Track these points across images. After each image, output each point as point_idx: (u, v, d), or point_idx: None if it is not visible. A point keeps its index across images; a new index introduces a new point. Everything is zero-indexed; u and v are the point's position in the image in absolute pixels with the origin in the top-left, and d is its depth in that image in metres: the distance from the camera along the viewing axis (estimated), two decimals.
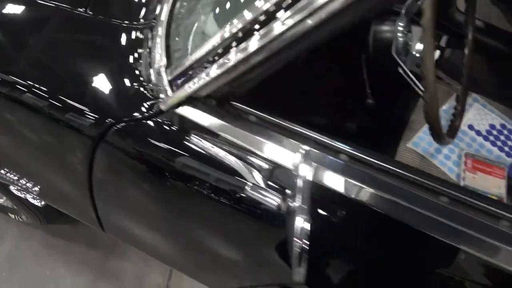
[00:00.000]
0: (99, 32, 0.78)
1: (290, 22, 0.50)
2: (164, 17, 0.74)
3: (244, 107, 0.64)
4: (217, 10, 0.67)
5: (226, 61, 0.56)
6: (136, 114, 0.67)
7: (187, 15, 0.72)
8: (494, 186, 1.04)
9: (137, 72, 0.70)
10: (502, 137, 1.13)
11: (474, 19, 1.04)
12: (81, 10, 0.82)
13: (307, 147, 0.48)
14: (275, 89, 0.86)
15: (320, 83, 0.97)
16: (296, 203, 0.45)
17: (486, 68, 1.37)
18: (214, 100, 0.63)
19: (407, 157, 1.06)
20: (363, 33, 0.96)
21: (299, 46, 0.53)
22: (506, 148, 1.12)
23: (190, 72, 0.61)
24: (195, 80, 0.60)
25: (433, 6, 0.69)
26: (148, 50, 0.71)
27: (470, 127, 1.13)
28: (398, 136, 1.11)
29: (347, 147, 0.59)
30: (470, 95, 1.20)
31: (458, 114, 1.00)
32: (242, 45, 0.55)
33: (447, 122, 1.04)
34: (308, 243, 0.44)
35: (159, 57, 0.68)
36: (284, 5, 0.51)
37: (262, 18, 0.53)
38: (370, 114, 1.06)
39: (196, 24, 0.69)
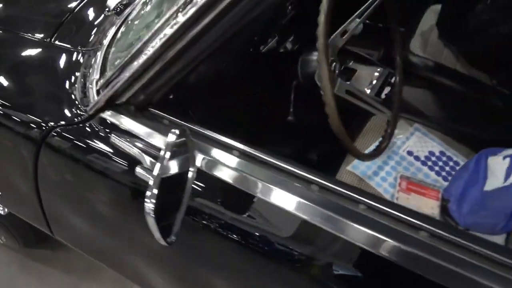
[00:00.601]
0: (55, 55, 0.92)
1: (170, 31, 0.62)
2: (106, 41, 0.88)
3: (160, 112, 0.74)
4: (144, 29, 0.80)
5: (131, 68, 0.68)
6: (70, 120, 0.78)
7: (125, 37, 0.85)
8: (427, 206, 1.09)
9: (75, 87, 0.83)
10: (440, 163, 1.20)
11: (402, 52, 1.15)
12: (47, 39, 0.97)
13: (178, 131, 0.57)
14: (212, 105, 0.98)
15: (254, 105, 1.08)
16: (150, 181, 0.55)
17: (435, 102, 1.47)
18: (132, 106, 0.74)
19: (346, 179, 1.13)
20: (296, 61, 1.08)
21: (189, 52, 0.65)
22: (444, 173, 1.18)
23: (109, 81, 0.73)
24: (110, 87, 0.71)
25: (325, 34, 0.81)
26: (89, 68, 0.84)
27: (409, 152, 1.20)
28: (341, 160, 1.19)
29: (241, 146, 0.68)
30: (412, 125, 1.28)
31: (387, 136, 1.08)
32: (144, 53, 0.66)
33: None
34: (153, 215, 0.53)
35: (95, 73, 0.80)
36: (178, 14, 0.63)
37: (160, 27, 0.65)
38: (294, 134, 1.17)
39: (128, 44, 0.81)
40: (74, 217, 0.92)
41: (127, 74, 0.69)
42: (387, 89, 1.48)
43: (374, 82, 1.54)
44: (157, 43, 0.65)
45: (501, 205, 1.00)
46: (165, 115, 0.74)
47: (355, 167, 1.15)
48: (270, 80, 1.15)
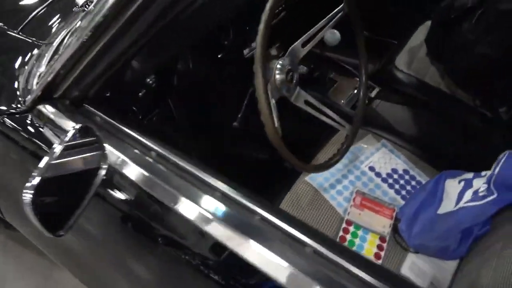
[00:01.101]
0: (17, 46, 0.96)
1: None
2: (61, 35, 0.91)
3: (93, 110, 0.76)
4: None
5: (61, 60, 0.70)
6: (10, 109, 0.81)
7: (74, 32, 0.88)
8: (379, 224, 1.07)
9: (22, 77, 0.86)
10: (401, 181, 1.17)
11: (367, 66, 1.13)
12: (15, 31, 1.01)
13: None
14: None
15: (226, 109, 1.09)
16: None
17: (413, 120, 1.44)
18: (68, 100, 0.76)
19: (301, 189, 1.13)
20: None
21: (115, 46, 0.66)
22: (403, 192, 1.16)
23: (45, 73, 0.75)
24: (44, 79, 0.74)
25: (263, 43, 0.81)
26: (39, 60, 0.87)
27: (371, 168, 1.19)
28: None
29: (159, 148, 0.69)
30: (379, 140, 1.27)
31: (341, 151, 1.07)
32: (73, 45, 0.68)
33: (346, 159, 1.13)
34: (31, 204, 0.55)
35: (42, 65, 0.83)
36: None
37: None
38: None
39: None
40: (17, 203, 0.96)
41: (58, 66, 0.71)
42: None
43: (352, 94, 1.54)
44: (83, 36, 0.67)
45: (449, 229, 0.98)
46: (98, 112, 0.76)
47: (312, 178, 1.15)
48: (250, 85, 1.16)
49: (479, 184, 0.97)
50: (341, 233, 1.05)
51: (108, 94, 0.79)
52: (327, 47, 1.44)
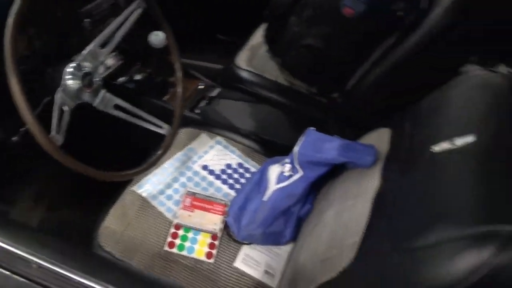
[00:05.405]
0: None
1: None
2: None
3: None
4: None
5: None
6: None
7: None
8: (210, 222, 1.04)
9: None
10: (235, 175, 1.16)
11: (180, 64, 1.10)
12: None
13: None
14: None
15: None
16: None
17: (251, 114, 1.46)
18: None
19: (128, 200, 1.06)
20: None
21: None
22: (237, 186, 1.14)
23: None
24: None
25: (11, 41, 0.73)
26: None
27: (204, 167, 1.16)
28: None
29: None
30: (214, 138, 1.25)
31: (159, 154, 1.02)
32: None
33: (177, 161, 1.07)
34: None
35: None
36: None
37: None
38: None
39: None
40: None
41: None
42: (203, 103, 1.45)
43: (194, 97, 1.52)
44: None
45: (268, 214, 0.98)
46: None
47: (140, 187, 1.08)
48: None
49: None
50: (169, 239, 1.00)
51: None
52: (159, 49, 1.41)
